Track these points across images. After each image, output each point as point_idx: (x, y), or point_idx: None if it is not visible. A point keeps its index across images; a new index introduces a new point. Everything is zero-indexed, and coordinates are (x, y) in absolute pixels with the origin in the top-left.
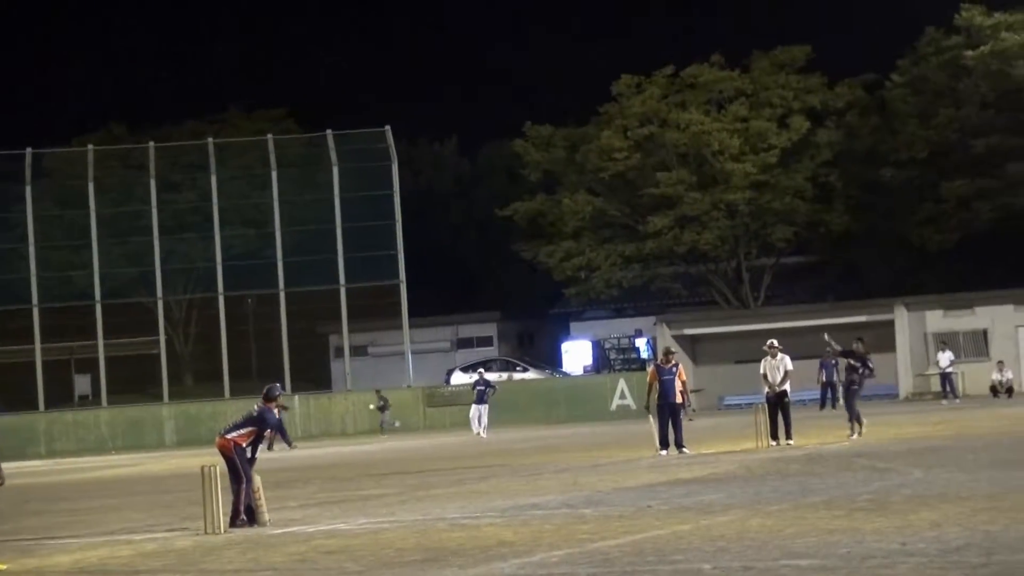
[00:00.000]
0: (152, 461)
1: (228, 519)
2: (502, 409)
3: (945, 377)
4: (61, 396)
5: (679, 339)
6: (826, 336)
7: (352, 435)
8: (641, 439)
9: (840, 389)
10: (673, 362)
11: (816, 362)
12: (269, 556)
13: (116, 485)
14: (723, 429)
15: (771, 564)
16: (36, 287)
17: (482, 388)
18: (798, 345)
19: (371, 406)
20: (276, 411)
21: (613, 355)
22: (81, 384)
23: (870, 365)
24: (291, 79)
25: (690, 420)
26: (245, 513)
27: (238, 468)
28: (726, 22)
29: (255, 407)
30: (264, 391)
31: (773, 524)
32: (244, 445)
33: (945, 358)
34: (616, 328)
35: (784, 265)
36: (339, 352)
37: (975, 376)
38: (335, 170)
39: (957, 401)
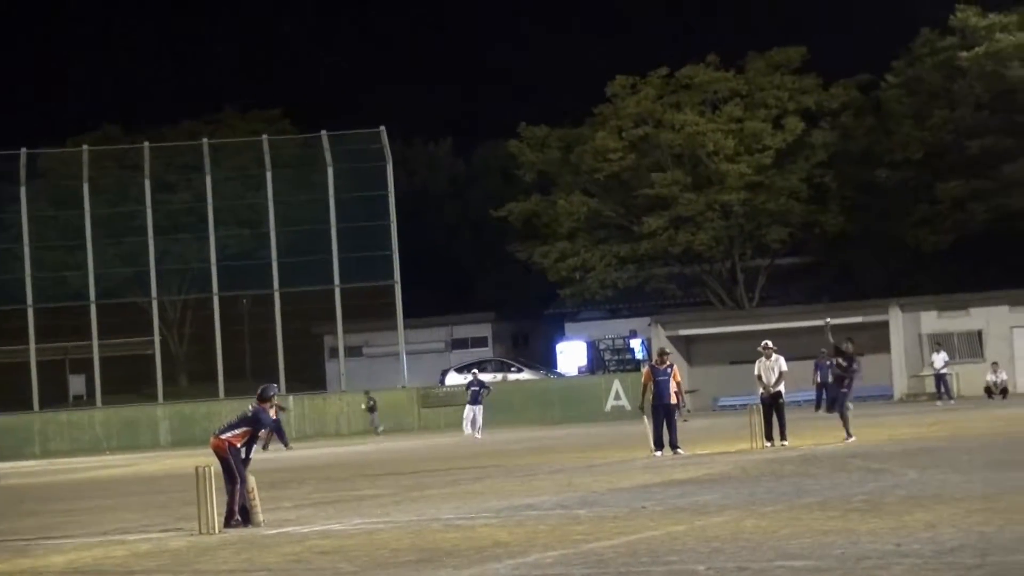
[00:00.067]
0: (147, 461)
1: (223, 519)
2: (497, 410)
3: (940, 378)
4: (56, 396)
5: (674, 340)
6: (828, 321)
7: (347, 435)
8: (636, 440)
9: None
10: (668, 363)
11: (811, 363)
12: (263, 556)
13: (110, 485)
14: (718, 430)
15: (766, 565)
16: (31, 287)
17: (476, 389)
18: (793, 346)
19: (362, 406)
20: (273, 412)
21: (608, 356)
22: (76, 384)
23: (855, 367)
24: (287, 79)
25: (685, 421)
26: (240, 513)
27: (232, 468)
28: (722, 23)
29: (250, 407)
30: (259, 391)
31: (768, 525)
32: (239, 445)
33: (940, 359)
34: (611, 329)
35: (779, 266)
36: (334, 352)
37: (970, 377)
38: (330, 170)
39: (952, 402)
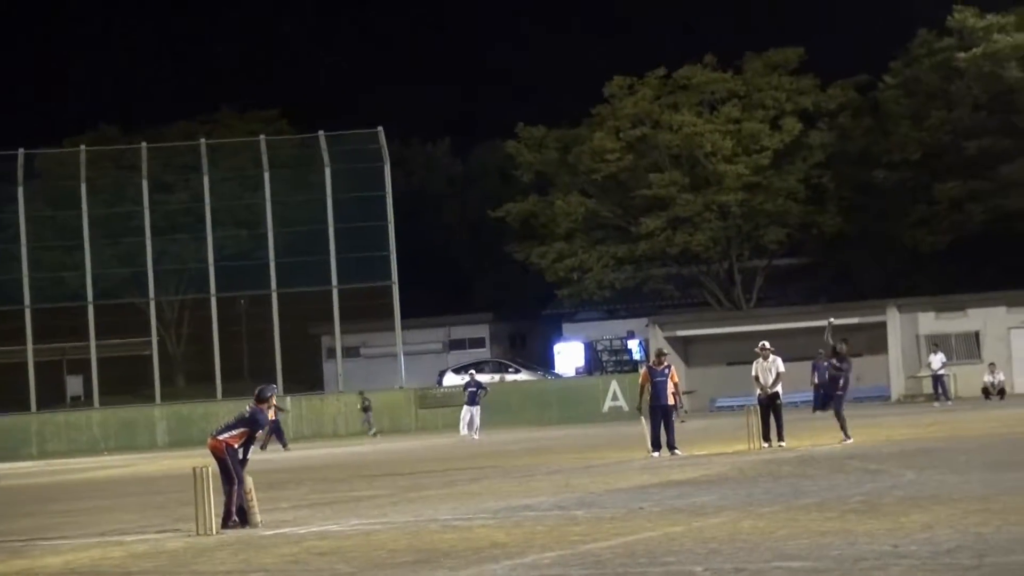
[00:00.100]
0: (144, 462)
1: (220, 520)
2: (494, 410)
3: (937, 379)
4: (53, 397)
5: (671, 341)
6: (831, 321)
7: (344, 436)
8: (633, 441)
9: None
10: (665, 364)
11: (808, 364)
12: (261, 557)
13: (108, 486)
14: (715, 431)
15: (763, 566)
16: (28, 288)
17: (473, 390)
18: (790, 347)
19: (358, 406)
20: (272, 413)
21: (605, 356)
22: (73, 385)
23: (844, 367)
24: (285, 79)
25: (682, 422)
26: (237, 514)
27: (230, 469)
28: (719, 23)
29: (247, 408)
30: (256, 392)
31: (765, 526)
32: (236, 446)
33: (937, 360)
34: (608, 330)
35: (776, 267)
36: (331, 353)
37: (967, 378)
38: (327, 171)
39: (949, 403)
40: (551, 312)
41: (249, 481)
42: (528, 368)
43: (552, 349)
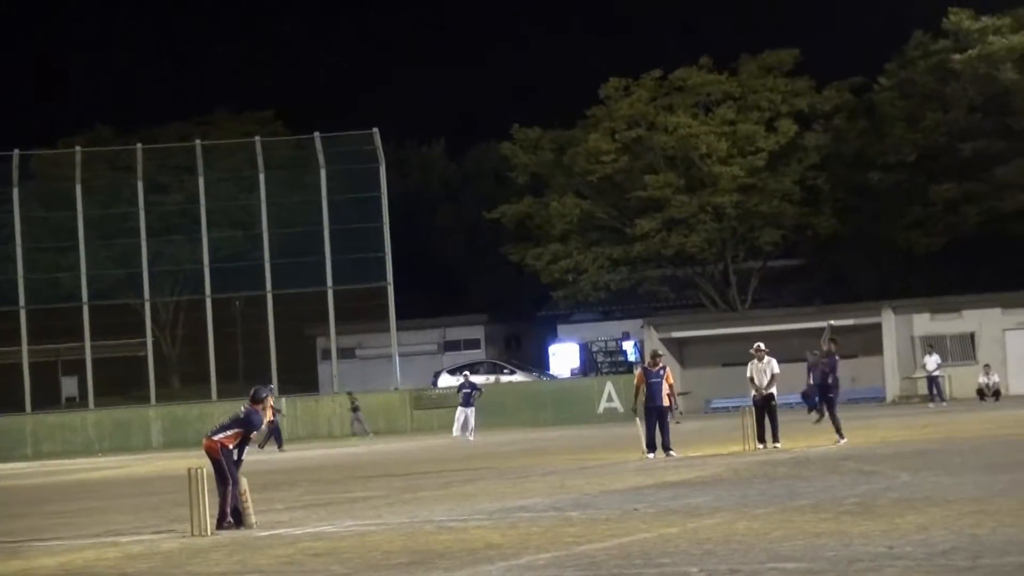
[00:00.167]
0: (139, 463)
1: (215, 521)
2: (489, 412)
3: (932, 380)
4: (48, 398)
5: (666, 342)
6: (830, 323)
7: (339, 437)
8: (628, 442)
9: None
10: (660, 365)
11: (803, 365)
12: (256, 558)
13: (102, 487)
14: (710, 432)
15: (758, 567)
16: (23, 289)
17: (468, 391)
18: (785, 348)
19: (347, 407)
20: (269, 414)
21: (600, 358)
22: (68, 386)
23: (826, 362)
24: (283, 80)
25: (677, 423)
26: (232, 515)
27: (224, 470)
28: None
29: (242, 409)
30: (251, 393)
31: (760, 527)
32: (231, 447)
33: (932, 361)
34: (603, 331)
35: (771, 268)
36: (326, 354)
37: (962, 379)
38: (322, 172)
39: (944, 404)
40: (546, 313)
41: (244, 482)
42: (523, 369)
43: (547, 350)
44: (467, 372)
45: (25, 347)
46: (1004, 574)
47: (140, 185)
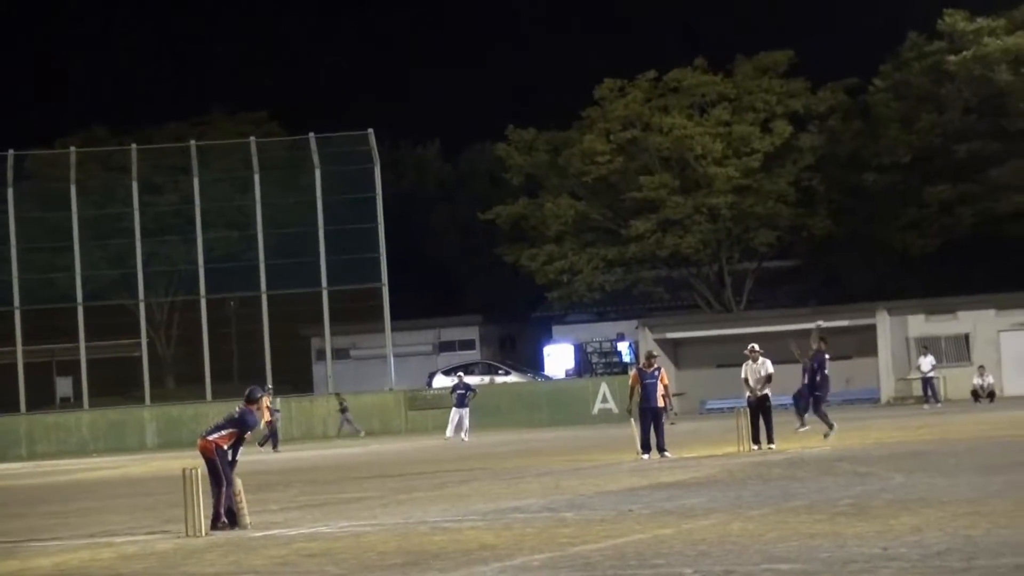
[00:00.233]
0: (133, 463)
1: (209, 522)
2: (484, 412)
3: (927, 382)
4: (42, 398)
5: (661, 343)
6: (819, 324)
7: (333, 438)
8: (623, 443)
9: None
10: (655, 366)
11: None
12: (250, 559)
13: (97, 488)
14: (705, 433)
15: (752, 568)
16: (18, 289)
17: (462, 392)
18: (780, 349)
19: (336, 408)
20: (267, 414)
21: (595, 359)
22: (63, 386)
23: (810, 360)
24: (280, 80)
25: (672, 424)
26: (226, 516)
27: (219, 470)
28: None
29: (237, 409)
30: (246, 393)
31: (755, 528)
32: (225, 447)
33: (927, 362)
34: (598, 332)
35: (766, 269)
36: (321, 355)
37: (956, 381)
38: (317, 173)
39: (938, 406)
40: (541, 314)
41: (238, 482)
42: (518, 370)
43: (542, 351)
44: (461, 373)
45: (20, 347)
46: (999, 575)
47: (135, 185)
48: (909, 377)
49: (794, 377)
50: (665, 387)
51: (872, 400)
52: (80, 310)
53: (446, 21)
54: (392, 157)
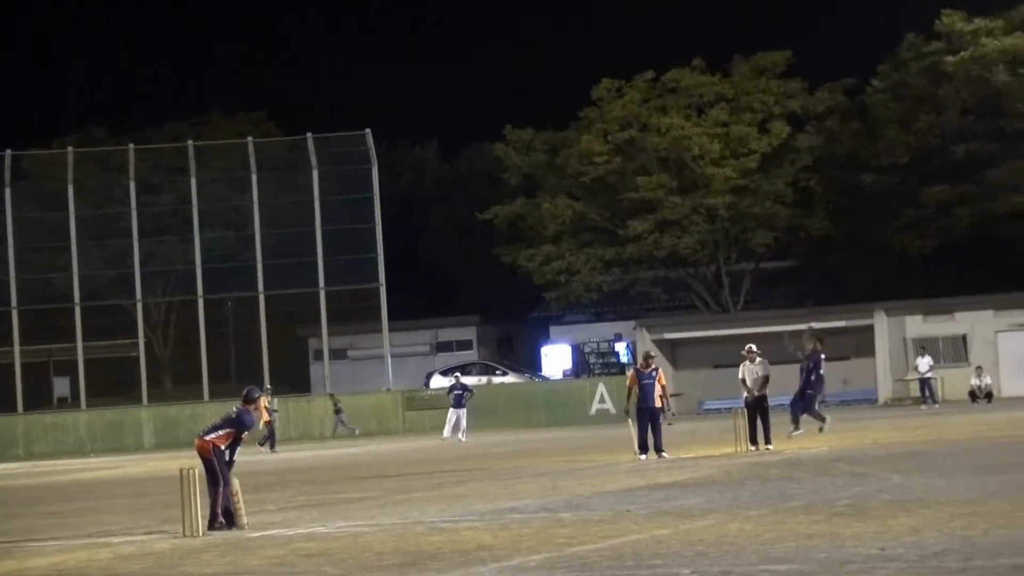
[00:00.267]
0: (131, 464)
1: (206, 522)
2: (481, 413)
3: (924, 382)
4: (40, 398)
5: (659, 343)
6: (811, 326)
7: (331, 438)
8: (620, 443)
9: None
10: (653, 366)
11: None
12: (247, 559)
13: (94, 488)
14: (702, 434)
15: (750, 569)
16: (15, 289)
17: (459, 392)
18: (777, 350)
19: (331, 409)
20: (265, 414)
21: (593, 359)
22: (60, 386)
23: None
24: (278, 80)
25: (669, 424)
26: (223, 516)
27: (216, 470)
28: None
29: (234, 409)
30: (244, 393)
31: (752, 529)
32: (223, 447)
33: (924, 363)
34: (596, 332)
35: (764, 270)
36: (318, 355)
37: (954, 381)
38: (315, 173)
39: (936, 406)
40: (538, 315)
41: (235, 483)
42: (515, 370)
43: (539, 351)
44: (458, 373)
45: (17, 347)
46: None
47: (132, 185)
48: (907, 378)
49: (792, 377)
50: (663, 387)
51: (870, 401)
52: (77, 310)
53: (444, 21)
54: (390, 157)
